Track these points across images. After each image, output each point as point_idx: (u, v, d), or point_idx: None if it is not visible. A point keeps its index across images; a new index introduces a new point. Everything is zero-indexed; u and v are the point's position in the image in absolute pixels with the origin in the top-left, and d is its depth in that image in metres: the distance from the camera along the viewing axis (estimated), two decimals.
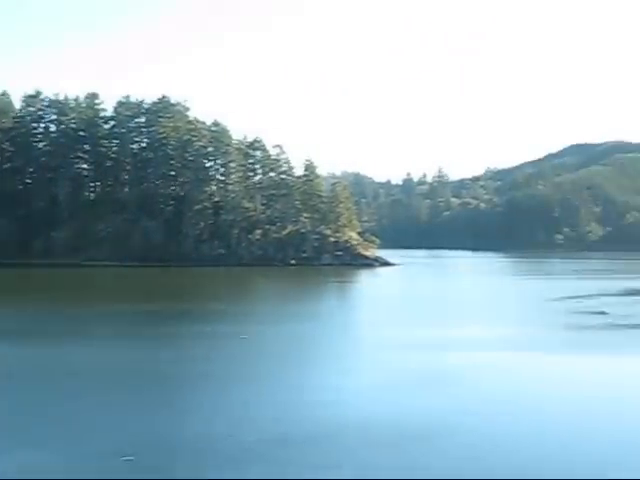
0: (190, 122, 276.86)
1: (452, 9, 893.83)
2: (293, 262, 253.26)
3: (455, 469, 42.11)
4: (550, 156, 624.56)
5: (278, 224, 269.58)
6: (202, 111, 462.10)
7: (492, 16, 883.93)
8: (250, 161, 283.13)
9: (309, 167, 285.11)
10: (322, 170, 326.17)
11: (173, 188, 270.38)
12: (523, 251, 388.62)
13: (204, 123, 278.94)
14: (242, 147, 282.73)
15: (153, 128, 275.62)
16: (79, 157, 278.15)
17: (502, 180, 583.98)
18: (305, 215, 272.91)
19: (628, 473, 40.64)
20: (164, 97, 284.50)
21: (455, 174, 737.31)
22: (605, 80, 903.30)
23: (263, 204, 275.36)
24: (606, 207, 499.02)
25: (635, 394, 56.94)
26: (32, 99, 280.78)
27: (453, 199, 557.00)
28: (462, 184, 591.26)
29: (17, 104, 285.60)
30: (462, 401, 59.03)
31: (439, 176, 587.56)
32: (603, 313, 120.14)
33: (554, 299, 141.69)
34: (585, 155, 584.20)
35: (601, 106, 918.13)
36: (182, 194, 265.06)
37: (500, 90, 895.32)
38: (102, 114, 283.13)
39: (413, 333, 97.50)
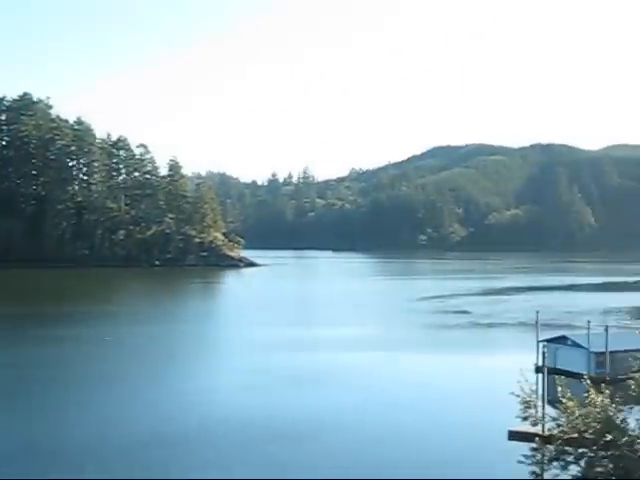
0: (52, 120, 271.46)
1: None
2: (158, 263, 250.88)
3: (324, 466, 42.72)
4: (413, 158, 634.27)
5: (142, 224, 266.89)
6: (65, 109, 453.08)
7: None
8: (114, 161, 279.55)
9: (174, 167, 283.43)
10: (187, 170, 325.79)
11: (34, 187, 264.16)
12: (388, 251, 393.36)
13: (67, 121, 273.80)
14: (106, 146, 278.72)
15: (14, 126, 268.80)
16: None
17: (367, 181, 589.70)
18: (170, 215, 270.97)
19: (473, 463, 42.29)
20: (25, 94, 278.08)
21: (320, 175, 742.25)
22: (467, 84, 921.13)
23: (127, 204, 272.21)
24: (468, 208, 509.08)
25: (492, 390, 58.35)
26: None
27: (318, 200, 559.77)
28: (327, 185, 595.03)
29: None
30: (330, 400, 59.75)
31: (304, 177, 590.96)
32: (466, 312, 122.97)
33: (418, 299, 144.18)
34: (448, 157, 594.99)
35: (464, 109, 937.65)
36: (44, 193, 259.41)
37: (364, 92, 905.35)
38: None
39: (280, 333, 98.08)
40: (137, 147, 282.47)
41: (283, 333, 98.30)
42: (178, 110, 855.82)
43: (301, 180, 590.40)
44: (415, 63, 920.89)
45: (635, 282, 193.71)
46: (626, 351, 53.84)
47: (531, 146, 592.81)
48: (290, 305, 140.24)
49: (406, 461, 43.49)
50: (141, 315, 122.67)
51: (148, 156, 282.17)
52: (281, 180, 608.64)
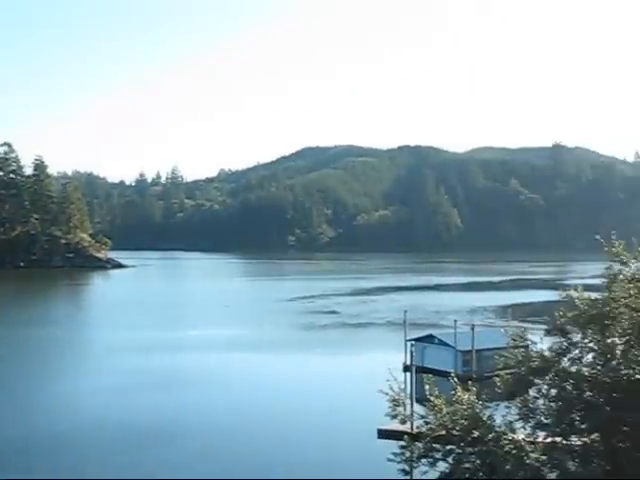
0: None
1: None
2: (22, 264, 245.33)
3: (191, 467, 42.54)
4: (283, 159, 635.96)
5: (7, 225, 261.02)
6: None
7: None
8: None
9: (39, 166, 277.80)
10: (53, 170, 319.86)
11: None
12: (257, 252, 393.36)
13: None
14: None
15: None
16: None
17: (236, 182, 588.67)
18: (35, 216, 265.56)
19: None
20: None
21: (189, 175, 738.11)
22: (336, 85, 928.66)
23: None
24: (337, 209, 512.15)
25: (361, 390, 58.85)
26: None
27: (187, 200, 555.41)
28: (196, 185, 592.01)
29: None
30: (198, 403, 59.40)
31: (173, 177, 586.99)
32: (334, 312, 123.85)
33: (286, 299, 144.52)
34: (317, 158, 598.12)
35: (333, 110, 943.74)
36: None
37: (233, 92, 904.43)
38: None
39: (146, 335, 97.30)
40: (1, 146, 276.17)
41: (151, 335, 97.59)
42: (43, 109, 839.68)
43: (169, 180, 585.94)
44: (289, 64, 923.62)
45: (499, 282, 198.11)
46: (491, 349, 54.84)
47: (399, 148, 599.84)
48: (158, 307, 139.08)
49: (273, 463, 43.52)
50: (7, 318, 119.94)
51: (12, 155, 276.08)
52: (149, 180, 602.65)
